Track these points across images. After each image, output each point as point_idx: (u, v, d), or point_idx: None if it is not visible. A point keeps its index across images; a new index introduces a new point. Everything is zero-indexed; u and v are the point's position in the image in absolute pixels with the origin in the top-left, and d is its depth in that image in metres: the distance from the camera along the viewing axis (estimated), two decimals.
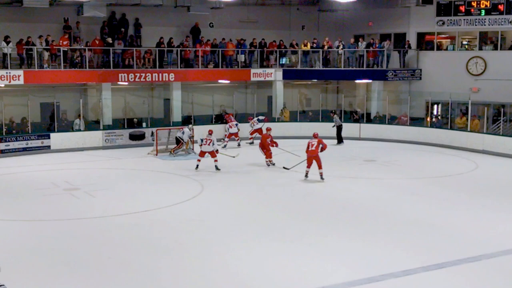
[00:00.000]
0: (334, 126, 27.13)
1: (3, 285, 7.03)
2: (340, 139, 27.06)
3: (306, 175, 18.88)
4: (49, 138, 24.37)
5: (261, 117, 27.22)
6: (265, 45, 30.02)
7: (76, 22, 26.86)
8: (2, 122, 23.91)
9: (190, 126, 24.47)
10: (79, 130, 25.33)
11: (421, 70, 29.89)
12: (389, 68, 29.27)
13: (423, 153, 24.97)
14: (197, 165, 20.47)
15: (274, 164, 21.27)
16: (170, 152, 23.81)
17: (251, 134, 26.79)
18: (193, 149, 24.15)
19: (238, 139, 26.08)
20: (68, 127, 25.62)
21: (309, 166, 18.81)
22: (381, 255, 11.93)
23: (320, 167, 18.63)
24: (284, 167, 20.42)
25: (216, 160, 20.36)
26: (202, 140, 20.60)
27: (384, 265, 11.31)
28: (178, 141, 23.86)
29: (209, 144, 20.13)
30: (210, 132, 20.82)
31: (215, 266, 11.34)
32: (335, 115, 27.47)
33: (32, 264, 11.45)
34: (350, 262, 11.53)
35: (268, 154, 21.44)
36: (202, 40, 28.85)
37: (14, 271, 11.04)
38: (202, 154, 20.47)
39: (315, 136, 19.20)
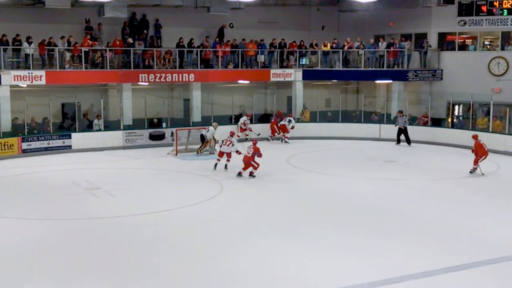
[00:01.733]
0: (397, 125, 26.76)
1: None
2: (399, 140, 26.77)
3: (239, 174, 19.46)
4: (70, 138, 24.57)
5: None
6: (285, 46, 29.98)
7: (98, 23, 27.07)
8: (24, 122, 24.15)
9: (215, 124, 24.39)
10: (99, 130, 25.52)
11: (442, 70, 29.64)
12: (409, 69, 29.07)
13: (444, 154, 24.76)
14: (216, 164, 20.51)
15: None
16: (197, 152, 23.85)
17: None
18: (215, 148, 24.17)
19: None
20: (89, 127, 25.82)
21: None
22: (401, 256, 11.86)
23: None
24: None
25: (228, 160, 20.40)
26: (222, 141, 20.70)
27: (404, 266, 11.23)
28: (203, 139, 23.92)
29: (228, 145, 20.16)
30: (232, 134, 20.97)
31: (232, 267, 11.33)
32: (403, 116, 26.80)
33: (53, 262, 11.55)
34: (369, 262, 11.47)
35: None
36: (222, 41, 28.90)
37: (35, 269, 11.17)
38: (221, 154, 20.54)
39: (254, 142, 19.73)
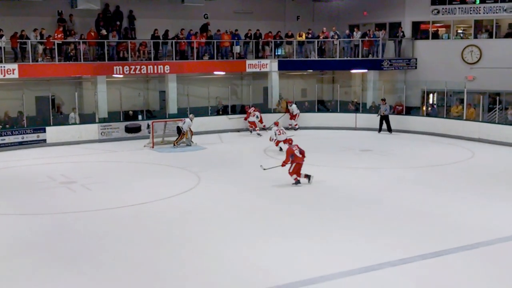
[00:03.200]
0: (378, 115, 27.01)
1: None
2: (381, 128, 27.07)
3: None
4: (44, 132, 24.31)
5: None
6: (260, 36, 29.94)
7: (69, 15, 26.75)
8: None
9: (192, 116, 24.34)
10: (75, 123, 25.28)
11: (416, 59, 29.88)
12: (384, 58, 29.25)
13: (419, 142, 24.98)
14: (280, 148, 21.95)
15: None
16: (173, 144, 23.76)
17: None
18: (191, 140, 24.11)
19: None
20: (64, 121, 25.56)
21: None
22: (379, 244, 11.96)
23: None
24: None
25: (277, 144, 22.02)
26: (275, 132, 21.94)
27: (381, 254, 11.33)
28: (179, 131, 23.84)
29: (280, 134, 21.80)
30: (276, 124, 23.44)
31: (211, 258, 11.33)
32: (386, 104, 27.03)
33: (29, 258, 11.43)
34: (347, 251, 11.55)
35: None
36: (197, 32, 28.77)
37: (11, 265, 11.05)
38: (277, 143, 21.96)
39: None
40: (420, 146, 24.17)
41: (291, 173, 16.92)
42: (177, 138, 23.90)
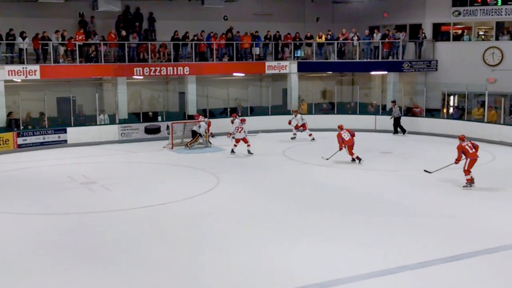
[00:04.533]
0: (392, 117, 27.11)
1: None
2: (396, 130, 27.17)
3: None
4: (65, 132, 24.53)
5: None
6: (280, 38, 29.94)
7: (90, 16, 26.99)
8: (19, 117, 24.09)
9: (206, 119, 24.49)
10: (106, 124, 25.63)
11: (437, 61, 29.67)
12: (404, 60, 29.08)
13: (439, 144, 24.78)
14: (232, 150, 22.11)
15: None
16: (186, 145, 23.88)
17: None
18: (210, 142, 24.19)
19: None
20: (85, 122, 25.79)
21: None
22: (397, 246, 11.89)
23: None
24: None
25: (248, 145, 21.98)
26: (235, 129, 22.15)
27: (400, 256, 11.27)
28: (195, 134, 23.93)
29: (240, 132, 21.83)
30: (242, 121, 22.39)
31: (230, 260, 11.35)
32: (396, 106, 27.24)
33: (50, 257, 11.55)
34: (365, 254, 11.49)
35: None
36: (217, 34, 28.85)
37: (32, 263, 11.16)
38: (237, 141, 22.06)
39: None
40: (441, 148, 23.94)
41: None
42: (191, 140, 23.94)
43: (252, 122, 27.63)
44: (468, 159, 16.64)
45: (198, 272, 10.75)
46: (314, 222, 13.69)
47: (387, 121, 27.80)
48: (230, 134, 22.65)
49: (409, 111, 28.76)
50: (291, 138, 25.88)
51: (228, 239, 12.51)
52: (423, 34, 29.52)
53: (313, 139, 25.46)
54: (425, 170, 17.34)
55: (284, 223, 13.65)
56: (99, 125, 25.57)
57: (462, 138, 17.16)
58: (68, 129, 24.66)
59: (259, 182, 18.09)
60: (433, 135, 26.56)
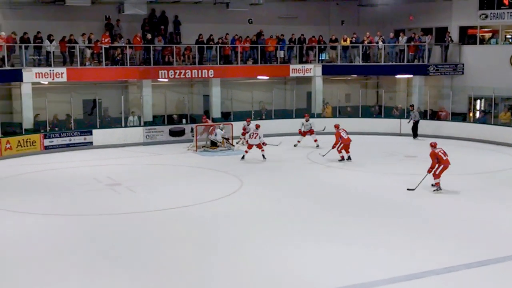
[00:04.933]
0: (410, 121, 26.96)
1: None
2: (415, 134, 26.93)
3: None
4: (91, 134, 24.77)
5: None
6: (304, 41, 29.89)
7: (116, 20, 27.24)
8: (46, 119, 24.39)
9: (221, 126, 24.48)
10: (136, 126, 25.82)
11: (463, 64, 29.36)
12: (430, 63, 28.84)
13: (465, 148, 24.52)
14: (243, 156, 21.73)
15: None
16: (204, 148, 23.99)
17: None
18: (232, 144, 24.26)
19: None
20: (110, 124, 26.03)
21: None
22: (422, 251, 11.78)
23: None
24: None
25: (263, 150, 21.62)
26: (249, 135, 21.91)
27: (425, 261, 11.17)
28: (214, 143, 23.99)
29: (255, 138, 21.48)
30: (257, 127, 22.18)
31: (252, 262, 11.36)
32: (415, 110, 27.04)
33: (74, 258, 11.66)
34: (390, 258, 11.41)
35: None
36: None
37: (58, 264, 11.28)
38: (250, 147, 21.74)
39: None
40: (467, 153, 23.71)
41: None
42: (210, 146, 23.99)
43: (275, 125, 27.72)
44: (442, 165, 16.59)
45: (219, 275, 10.76)
46: (337, 226, 13.63)
47: (411, 125, 27.55)
48: (246, 140, 22.38)
49: (435, 115, 28.51)
50: (294, 146, 24.50)
51: (252, 242, 12.51)
52: (450, 38, 29.25)
53: (318, 146, 24.06)
54: (408, 189, 16.76)
55: (307, 226, 13.61)
56: (125, 127, 25.77)
57: (434, 145, 17.00)
58: (94, 131, 24.90)
59: (282, 184, 18.06)
60: (459, 139, 26.26)
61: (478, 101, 29.22)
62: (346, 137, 21.11)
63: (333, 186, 17.74)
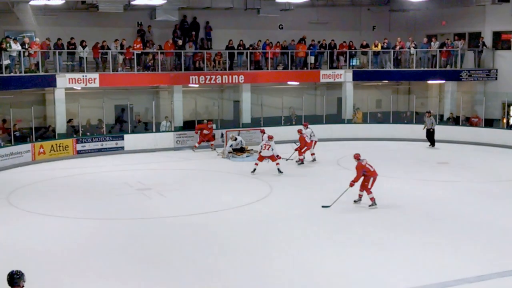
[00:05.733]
0: (424, 128, 26.18)
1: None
2: (432, 142, 26.07)
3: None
4: (123, 139, 25.01)
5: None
6: (335, 46, 29.77)
7: (148, 26, 27.50)
8: (79, 123, 24.71)
9: (232, 135, 24.06)
10: (168, 131, 26.01)
11: (497, 70, 28.91)
12: (463, 68, 28.49)
13: (498, 155, 24.14)
14: (254, 169, 20.32)
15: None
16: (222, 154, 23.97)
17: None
18: (250, 151, 24.10)
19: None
20: (142, 129, 26.26)
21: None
22: (455, 259, 11.63)
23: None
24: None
25: (278, 164, 20.22)
26: (261, 146, 20.47)
27: (457, 269, 11.02)
28: (241, 149, 23.84)
29: (268, 149, 20.05)
30: (270, 138, 20.60)
31: (284, 267, 11.33)
32: (431, 116, 26.26)
33: (104, 261, 11.77)
34: (421, 266, 11.27)
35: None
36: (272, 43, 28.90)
37: (91, 267, 11.40)
38: (261, 158, 20.37)
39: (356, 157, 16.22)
40: (501, 159, 23.35)
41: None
42: (236, 152, 23.82)
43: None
44: (371, 178, 15.63)
45: (246, 280, 10.74)
46: (367, 233, 13.50)
47: (445, 131, 27.16)
48: (259, 152, 20.44)
49: (468, 121, 28.13)
50: (297, 162, 22.18)
51: (278, 248, 12.48)
52: (483, 43, 28.85)
53: (314, 159, 22.45)
54: (323, 206, 15.66)
55: (337, 234, 13.52)
56: (156, 132, 25.97)
57: (357, 157, 15.84)
58: (126, 136, 25.14)
59: (311, 191, 17.97)
60: (492, 145, 25.85)
61: None
62: (309, 141, 21.92)
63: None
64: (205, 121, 25.85)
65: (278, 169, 20.19)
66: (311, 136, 22.63)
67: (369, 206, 15.66)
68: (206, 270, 11.20)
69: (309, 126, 23.13)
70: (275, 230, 13.87)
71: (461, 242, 12.75)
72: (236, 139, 23.81)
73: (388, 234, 13.34)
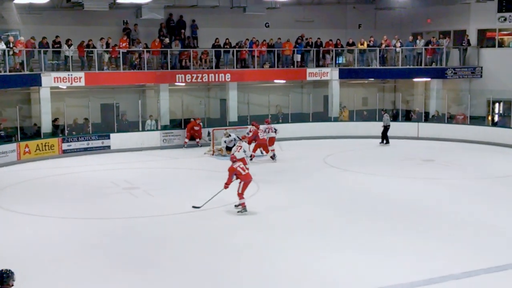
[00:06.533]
0: (383, 126, 26.59)
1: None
2: (387, 139, 26.46)
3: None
4: (109, 138, 24.91)
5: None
6: (321, 44, 29.83)
7: (134, 24, 27.40)
8: (64, 123, 24.57)
9: (226, 132, 23.98)
10: (153, 130, 25.93)
11: (482, 67, 29.13)
12: (448, 66, 28.66)
13: (484, 152, 24.33)
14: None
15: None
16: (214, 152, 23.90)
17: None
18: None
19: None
20: (128, 128, 26.16)
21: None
22: (441, 256, 11.69)
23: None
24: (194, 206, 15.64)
25: (247, 169, 18.56)
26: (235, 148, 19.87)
27: (444, 266, 11.08)
28: (229, 148, 23.83)
29: (239, 151, 18.68)
30: (243, 138, 20.39)
31: (268, 267, 11.33)
32: (386, 114, 26.88)
33: (92, 261, 11.72)
34: (409, 263, 11.33)
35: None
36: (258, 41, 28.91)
37: (77, 267, 11.34)
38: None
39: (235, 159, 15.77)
40: (485, 156, 23.54)
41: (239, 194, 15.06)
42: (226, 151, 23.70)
43: (292, 128, 27.72)
44: (242, 182, 14.98)
45: (238, 279, 10.75)
46: (355, 231, 13.56)
47: (430, 129, 27.42)
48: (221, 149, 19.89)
49: (453, 118, 28.32)
50: (272, 158, 22.39)
51: (266, 247, 12.49)
52: (468, 41, 29.04)
53: (273, 156, 22.37)
54: (193, 206, 15.36)
55: (324, 231, 13.56)
56: (142, 131, 25.89)
57: (232, 159, 15.56)
58: (112, 135, 25.04)
59: (299, 189, 18.02)
60: (477, 142, 26.05)
61: (497, 104, 28.97)
62: (261, 137, 21.82)
63: (351, 190, 17.65)
64: (192, 120, 25.91)
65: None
66: (267, 131, 22.43)
67: (238, 212, 14.92)
68: (195, 270, 11.18)
69: (271, 123, 23.45)
70: (262, 228, 13.88)
71: (448, 239, 12.83)
72: (230, 135, 23.74)
73: (374, 232, 13.38)
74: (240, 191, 15.03)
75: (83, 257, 11.97)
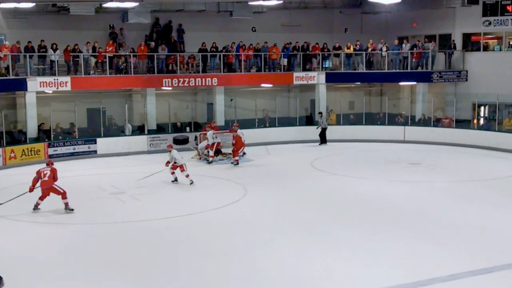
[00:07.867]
0: (318, 127, 27.23)
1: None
2: (324, 140, 27.22)
3: (36, 207, 15.76)
4: (95, 143, 24.81)
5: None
6: (308, 49, 29.90)
7: (120, 28, 27.33)
8: (50, 127, 24.43)
9: (210, 132, 23.47)
10: (128, 134, 25.83)
11: (467, 71, 29.32)
12: (434, 70, 28.84)
13: (470, 155, 24.48)
14: (175, 178, 19.42)
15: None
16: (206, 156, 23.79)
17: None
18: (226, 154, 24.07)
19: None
20: (115, 132, 26.05)
21: (42, 199, 15.79)
22: (428, 259, 11.73)
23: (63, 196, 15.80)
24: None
25: (187, 175, 18.99)
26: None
27: (430, 269, 11.12)
28: (218, 151, 23.75)
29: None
30: (169, 147, 20.14)
31: (257, 270, 11.33)
32: (322, 117, 27.46)
33: (79, 266, 11.65)
34: (395, 265, 11.37)
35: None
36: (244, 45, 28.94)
37: (62, 272, 11.27)
38: (174, 167, 19.33)
39: (50, 163, 16.35)
40: (471, 160, 23.69)
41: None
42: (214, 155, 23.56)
43: (279, 132, 27.77)
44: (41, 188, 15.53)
45: (226, 283, 10.74)
46: (342, 234, 13.58)
47: (416, 132, 27.59)
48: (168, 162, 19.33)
49: (439, 122, 28.48)
50: (232, 163, 22.47)
51: (255, 250, 12.49)
52: (453, 44, 29.24)
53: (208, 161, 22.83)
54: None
55: (311, 234, 13.57)
56: (129, 135, 25.81)
57: (49, 164, 16.09)
58: (98, 139, 24.93)
59: (286, 193, 18.03)
60: (463, 146, 26.21)
61: (482, 108, 29.18)
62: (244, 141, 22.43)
63: (338, 194, 17.71)
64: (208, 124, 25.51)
65: (174, 178, 19.40)
66: (214, 138, 23.01)
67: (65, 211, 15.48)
68: (183, 273, 11.15)
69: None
70: (249, 232, 13.87)
71: (434, 241, 12.88)
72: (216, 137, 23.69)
73: (360, 235, 13.41)
74: (40, 198, 15.67)
75: (70, 262, 11.90)
